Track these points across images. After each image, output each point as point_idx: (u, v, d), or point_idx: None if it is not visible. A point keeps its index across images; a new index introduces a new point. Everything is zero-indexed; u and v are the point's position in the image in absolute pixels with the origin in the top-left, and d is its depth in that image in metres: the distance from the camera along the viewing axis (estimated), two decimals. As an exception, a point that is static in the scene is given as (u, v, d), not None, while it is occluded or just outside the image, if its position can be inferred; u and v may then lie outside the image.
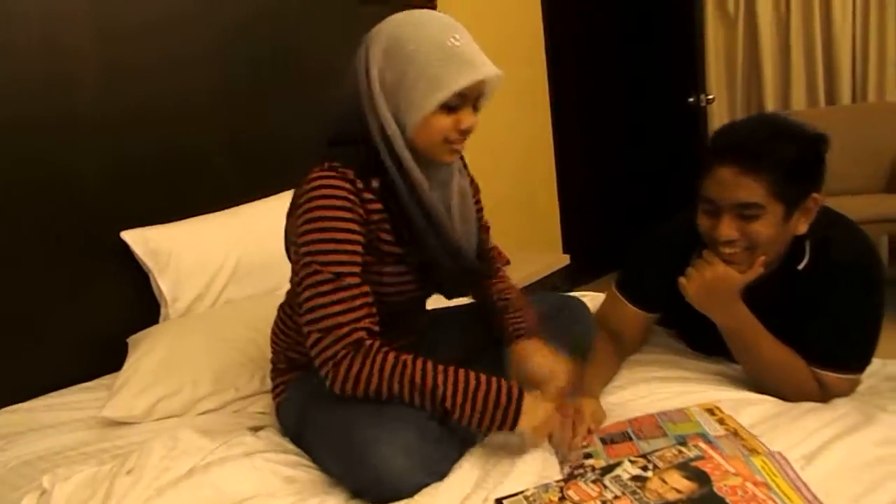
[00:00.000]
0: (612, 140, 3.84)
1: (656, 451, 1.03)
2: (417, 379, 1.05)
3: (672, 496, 0.91)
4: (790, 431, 1.09)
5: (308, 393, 1.20)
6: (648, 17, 3.82)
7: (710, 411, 1.18)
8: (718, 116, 3.72)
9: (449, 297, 1.30)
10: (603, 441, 1.14)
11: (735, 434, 1.08)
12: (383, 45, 1.08)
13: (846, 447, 1.02)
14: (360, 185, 1.09)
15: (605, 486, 0.96)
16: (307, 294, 1.07)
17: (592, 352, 1.38)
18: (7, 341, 1.60)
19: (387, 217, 1.12)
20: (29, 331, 1.63)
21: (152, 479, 1.04)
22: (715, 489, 0.91)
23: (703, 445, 1.02)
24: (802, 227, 1.21)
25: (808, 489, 0.90)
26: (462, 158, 1.31)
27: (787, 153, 1.14)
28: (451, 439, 1.11)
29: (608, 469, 1.01)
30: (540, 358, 1.20)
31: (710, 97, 3.22)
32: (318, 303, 1.06)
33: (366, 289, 1.09)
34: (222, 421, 1.37)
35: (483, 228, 1.34)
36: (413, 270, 1.17)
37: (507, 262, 1.47)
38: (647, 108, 3.84)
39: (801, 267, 1.25)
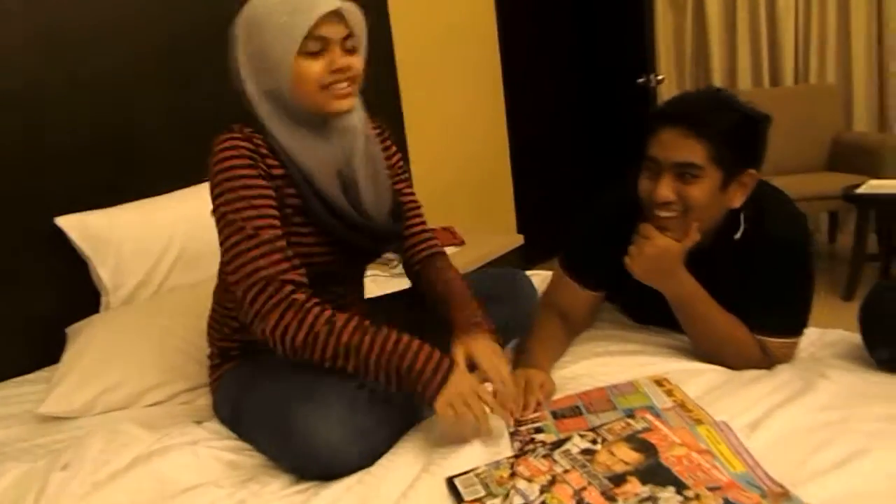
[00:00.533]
0: (565, 120, 3.86)
1: (605, 424, 1.04)
2: (345, 337, 1.04)
3: (620, 468, 0.92)
4: (735, 401, 1.11)
5: (240, 382, 1.19)
6: (599, 2, 3.84)
7: (659, 383, 1.19)
8: (667, 97, 3.77)
9: (367, 260, 1.30)
10: (554, 415, 1.14)
11: (682, 405, 1.10)
12: (243, 28, 1.12)
13: (788, 414, 1.05)
14: (257, 141, 1.12)
15: (555, 461, 0.96)
16: (230, 253, 1.08)
17: (540, 327, 1.39)
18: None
19: (288, 179, 1.13)
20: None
21: (89, 474, 1.00)
22: (661, 459, 0.92)
23: (650, 417, 1.03)
24: (737, 201, 1.24)
25: (751, 456, 0.92)
26: (384, 132, 1.32)
27: (728, 121, 1.18)
28: (385, 410, 1.10)
29: (558, 444, 1.01)
30: (489, 363, 1.14)
31: (660, 78, 3.27)
32: (241, 260, 1.06)
33: (284, 243, 1.09)
34: (168, 413, 1.32)
35: (407, 202, 1.34)
36: (326, 235, 1.16)
37: (461, 243, 1.46)
38: (598, 89, 3.87)
39: (736, 237, 1.28)
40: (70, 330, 1.59)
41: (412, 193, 1.38)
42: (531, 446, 1.03)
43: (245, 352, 1.26)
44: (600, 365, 1.32)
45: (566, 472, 0.93)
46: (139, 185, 1.80)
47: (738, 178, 1.22)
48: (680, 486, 0.86)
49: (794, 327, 1.28)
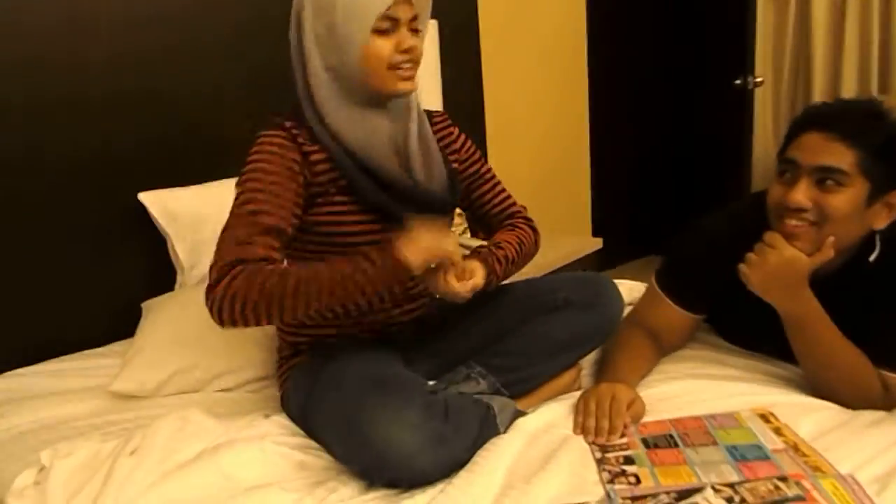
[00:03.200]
0: (652, 122, 3.69)
1: (747, 482, 0.89)
2: (291, 281, 1.01)
3: None
4: (857, 448, 0.98)
5: (309, 379, 1.14)
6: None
7: (764, 418, 1.08)
8: (763, 101, 3.55)
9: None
10: (645, 443, 1.04)
11: (795, 448, 0.98)
12: (311, 4, 1.11)
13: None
14: (296, 132, 1.12)
15: None
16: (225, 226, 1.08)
17: (626, 341, 1.30)
18: (20, 303, 1.54)
19: (332, 162, 1.13)
20: (43, 293, 1.57)
21: (156, 463, 0.97)
22: None
23: (806, 485, 0.87)
24: (881, 223, 1.11)
25: None
26: (446, 119, 1.34)
27: (884, 132, 1.07)
28: (463, 418, 1.03)
29: (684, 495, 0.87)
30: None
31: (759, 80, 3.06)
32: (222, 238, 1.06)
33: (280, 227, 1.07)
34: (236, 401, 1.29)
35: (484, 173, 1.36)
36: (370, 211, 1.15)
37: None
38: (690, 90, 3.68)
39: (871, 258, 1.15)
40: (145, 305, 1.59)
41: (489, 169, 1.39)
42: (642, 493, 0.89)
43: (315, 347, 1.22)
44: (696, 389, 1.21)
45: None
46: (226, 165, 1.78)
47: (886, 196, 1.09)
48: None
49: None
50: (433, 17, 2.23)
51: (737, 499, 0.85)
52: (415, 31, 1.14)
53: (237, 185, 1.11)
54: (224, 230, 1.07)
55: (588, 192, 3.20)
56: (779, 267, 1.11)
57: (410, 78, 1.14)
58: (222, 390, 1.33)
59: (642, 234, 3.63)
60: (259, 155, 1.11)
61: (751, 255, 1.14)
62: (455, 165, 1.31)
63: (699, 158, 3.71)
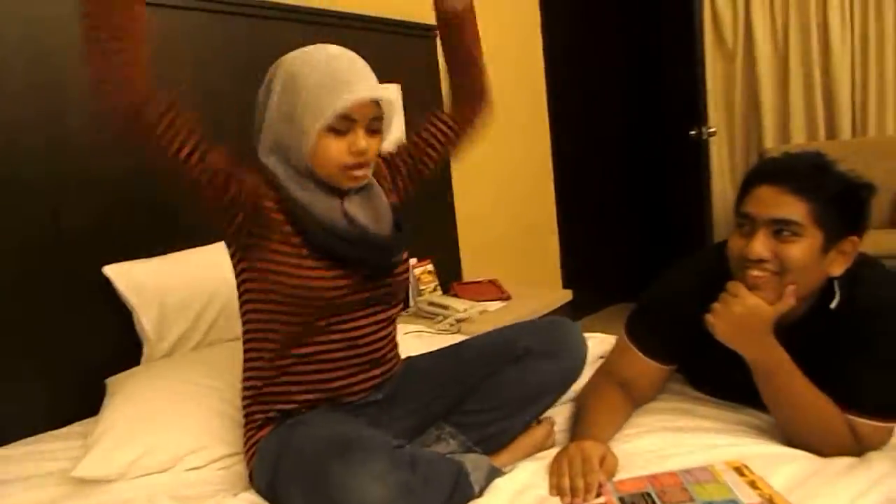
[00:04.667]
0: (614, 174, 3.79)
1: None
2: None
3: None
4: (831, 497, 0.99)
5: (278, 449, 1.12)
6: (647, 51, 3.80)
7: (739, 471, 1.08)
8: (718, 150, 3.68)
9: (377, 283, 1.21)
10: (623, 502, 1.04)
11: (770, 502, 0.98)
12: (282, 80, 1.10)
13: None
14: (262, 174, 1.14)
15: None
16: None
17: (597, 394, 1.31)
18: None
19: (290, 214, 1.13)
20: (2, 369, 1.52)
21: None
22: None
23: None
24: (838, 269, 1.15)
25: None
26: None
27: (832, 184, 1.13)
28: (432, 469, 1.02)
29: None
30: None
31: (712, 130, 3.18)
32: None
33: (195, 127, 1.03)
34: (207, 480, 1.25)
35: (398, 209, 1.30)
36: (327, 258, 1.13)
37: (508, 298, 1.43)
38: (647, 142, 3.81)
39: (833, 306, 1.18)
40: (110, 382, 1.55)
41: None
42: None
43: (281, 419, 1.20)
44: (670, 442, 1.21)
45: None
46: (187, 236, 1.78)
47: (840, 244, 1.13)
48: None
49: (892, 407, 1.15)
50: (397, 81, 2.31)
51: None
52: (373, 133, 1.12)
53: None
54: None
55: (557, 244, 3.25)
56: (743, 316, 1.14)
57: (361, 177, 1.14)
58: (192, 469, 1.29)
59: (610, 284, 3.68)
60: None
61: (715, 305, 1.17)
62: (401, 183, 1.32)
63: (661, 208, 3.82)
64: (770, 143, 3.57)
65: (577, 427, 1.26)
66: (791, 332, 1.17)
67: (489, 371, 1.26)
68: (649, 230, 3.90)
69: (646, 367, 1.33)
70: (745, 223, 1.17)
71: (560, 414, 1.39)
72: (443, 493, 1.01)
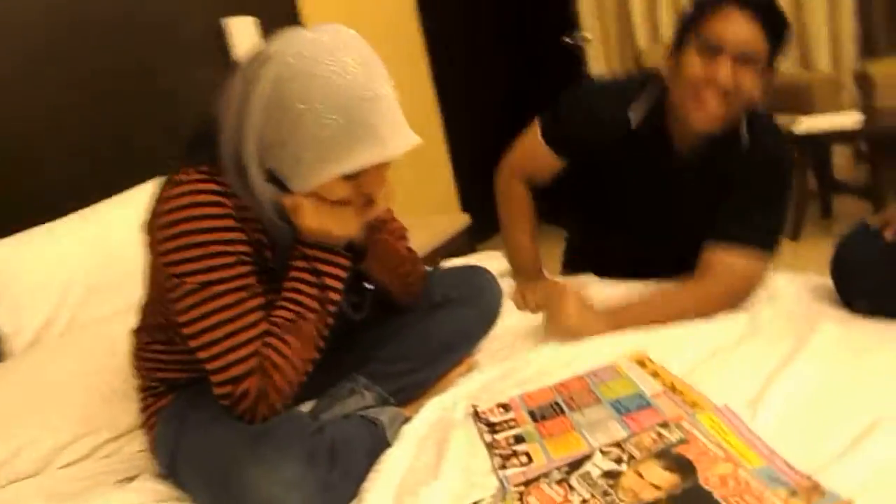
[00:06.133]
0: (495, 87, 3.72)
1: (632, 437, 0.88)
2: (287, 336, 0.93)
3: (649, 495, 0.76)
4: (727, 376, 1.01)
5: (181, 419, 1.01)
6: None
7: (641, 363, 1.09)
8: (595, 56, 3.69)
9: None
10: (532, 416, 1.01)
11: (673, 389, 0.99)
12: (266, 95, 0.85)
13: (790, 384, 0.95)
14: (223, 181, 0.91)
15: (572, 488, 0.81)
16: (201, 327, 0.91)
17: (516, 206, 1.49)
18: None
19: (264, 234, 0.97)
20: None
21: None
22: (700, 481, 0.76)
23: (686, 426, 0.87)
24: (759, 98, 1.20)
25: (765, 444, 0.81)
26: None
27: (783, 22, 1.17)
28: (350, 457, 0.95)
29: (576, 465, 0.85)
30: None
31: (587, 35, 3.16)
32: (215, 339, 0.90)
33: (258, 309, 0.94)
34: (88, 474, 1.13)
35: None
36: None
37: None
38: (526, 50, 3.75)
39: (743, 147, 1.25)
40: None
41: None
42: (515, 462, 0.89)
43: (181, 386, 1.08)
44: (581, 349, 1.20)
45: (584, 501, 0.78)
46: (33, 209, 1.57)
47: (769, 74, 1.20)
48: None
49: (768, 242, 1.24)
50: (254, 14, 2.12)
51: (625, 457, 0.84)
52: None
53: (183, 258, 0.90)
54: (206, 322, 0.91)
55: (449, 167, 3.18)
56: (572, 329, 1.21)
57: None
58: (70, 464, 1.16)
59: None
60: (198, 210, 0.89)
61: (546, 317, 1.28)
62: None
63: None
64: (642, 42, 3.61)
65: (516, 260, 1.51)
66: (700, 160, 1.27)
67: (405, 320, 1.20)
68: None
69: (548, 161, 1.41)
70: (709, 47, 1.16)
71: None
72: (361, 473, 0.95)
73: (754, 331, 1.16)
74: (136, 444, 1.21)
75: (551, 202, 1.53)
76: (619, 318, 1.22)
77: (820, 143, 2.79)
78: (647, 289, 1.36)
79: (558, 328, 1.22)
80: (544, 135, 1.41)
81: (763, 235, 1.22)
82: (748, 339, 1.13)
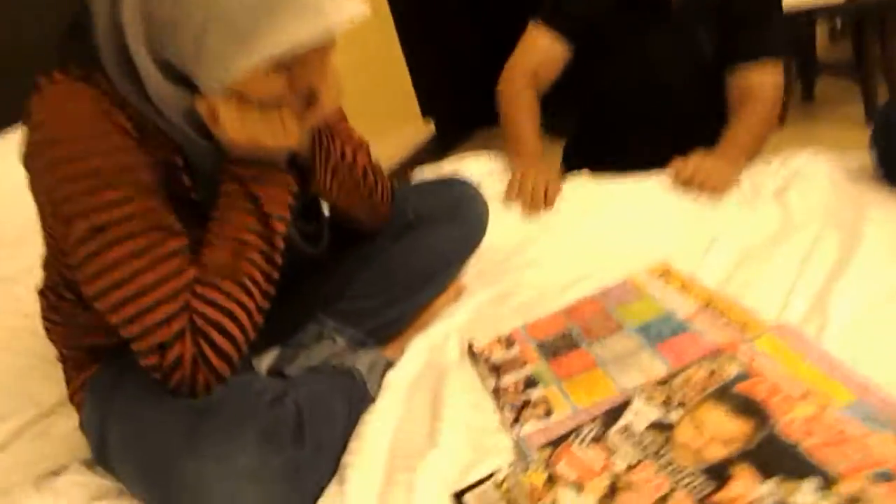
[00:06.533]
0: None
1: (677, 373, 0.69)
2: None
3: (715, 452, 0.57)
4: (770, 285, 0.83)
5: (108, 396, 0.81)
6: None
7: (664, 275, 0.91)
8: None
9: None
10: (543, 351, 0.84)
11: (710, 306, 0.81)
12: None
13: (852, 289, 0.78)
14: (107, 87, 0.69)
15: (612, 450, 0.62)
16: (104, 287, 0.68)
17: (520, 100, 1.40)
18: None
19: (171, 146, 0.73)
20: None
21: None
22: (778, 430, 0.57)
23: (743, 358, 0.68)
24: None
25: (851, 371, 0.64)
26: None
27: None
28: (328, 424, 0.77)
29: (611, 416, 0.66)
30: None
31: None
32: (126, 297, 0.68)
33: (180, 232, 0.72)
34: (13, 460, 0.93)
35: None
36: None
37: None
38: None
39: None
40: None
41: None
42: (561, 433, 0.68)
43: (110, 352, 0.87)
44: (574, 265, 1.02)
45: (632, 468, 0.60)
46: None
47: None
48: (826, 478, 0.53)
49: (782, 48, 1.29)
50: None
51: (674, 401, 0.66)
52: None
53: (74, 190, 0.67)
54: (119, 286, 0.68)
55: (406, 73, 2.90)
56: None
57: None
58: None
59: (472, 105, 3.41)
60: (86, 128, 0.67)
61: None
62: None
63: (509, 12, 3.49)
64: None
65: (517, 148, 1.37)
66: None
67: (375, 247, 1.01)
68: (499, 42, 3.60)
69: (554, 51, 1.39)
70: None
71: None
72: (339, 444, 0.77)
73: (787, 225, 0.98)
74: (69, 421, 1.01)
75: (554, 107, 1.53)
76: (732, 154, 1.20)
77: (801, 22, 2.56)
78: (643, 183, 1.22)
79: (716, 186, 1.14)
80: (551, 22, 1.40)
81: (776, 45, 1.28)
82: (783, 236, 0.95)
